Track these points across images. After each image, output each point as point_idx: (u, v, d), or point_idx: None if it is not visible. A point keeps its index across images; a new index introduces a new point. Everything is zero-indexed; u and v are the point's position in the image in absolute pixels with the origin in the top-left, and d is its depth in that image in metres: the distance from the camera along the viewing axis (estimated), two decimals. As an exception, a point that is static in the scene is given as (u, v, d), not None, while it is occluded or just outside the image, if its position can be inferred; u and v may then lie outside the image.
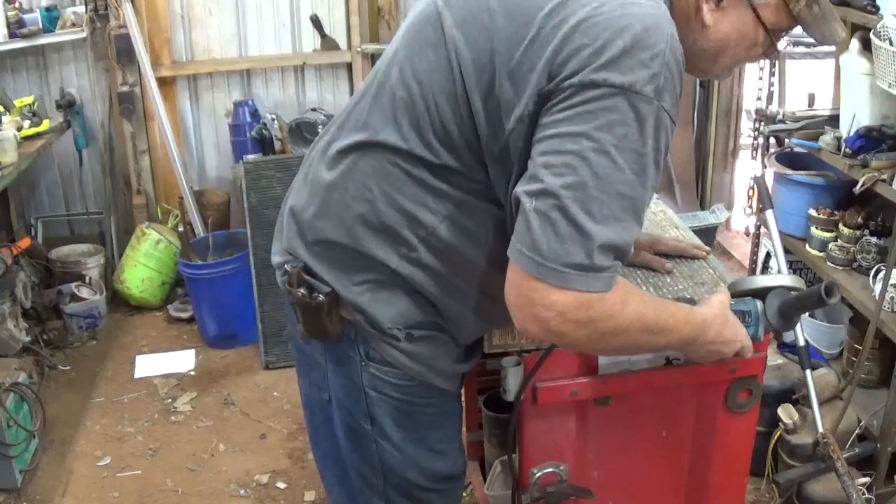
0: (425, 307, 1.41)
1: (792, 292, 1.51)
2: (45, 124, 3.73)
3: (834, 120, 2.89)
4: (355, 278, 1.40)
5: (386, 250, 1.37)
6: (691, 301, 1.53)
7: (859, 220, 2.85)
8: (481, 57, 1.25)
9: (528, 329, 1.22)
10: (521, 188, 1.20)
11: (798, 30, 1.39)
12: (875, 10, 2.47)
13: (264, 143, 3.79)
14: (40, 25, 3.84)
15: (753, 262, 3.64)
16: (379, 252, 1.37)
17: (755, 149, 3.67)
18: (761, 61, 3.53)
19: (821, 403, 2.23)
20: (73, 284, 3.92)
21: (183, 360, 3.69)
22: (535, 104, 1.20)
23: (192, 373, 3.61)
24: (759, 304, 1.50)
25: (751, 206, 3.81)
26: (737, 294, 1.52)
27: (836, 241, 2.88)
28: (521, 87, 1.21)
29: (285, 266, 1.49)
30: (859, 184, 2.50)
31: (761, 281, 1.53)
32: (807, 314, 3.07)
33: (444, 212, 1.34)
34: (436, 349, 1.45)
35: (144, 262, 3.99)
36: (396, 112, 1.34)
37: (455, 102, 1.28)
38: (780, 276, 1.54)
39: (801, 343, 2.16)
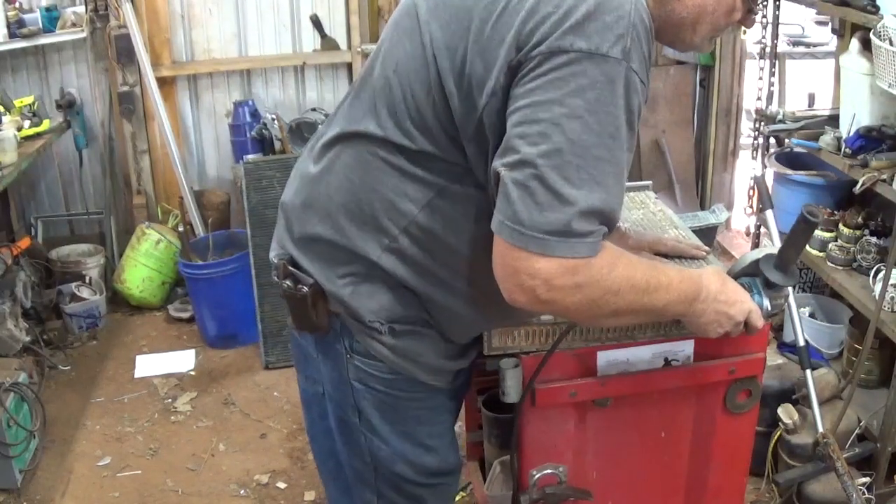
0: (409, 301, 1.42)
1: None
2: (45, 124, 3.73)
3: (834, 120, 2.89)
4: (339, 271, 1.42)
5: (368, 242, 1.38)
6: None
7: (859, 220, 2.84)
8: (453, 38, 1.27)
9: (517, 300, 1.22)
10: (498, 161, 1.21)
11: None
12: (875, 10, 2.46)
13: (264, 143, 3.79)
14: (40, 25, 3.84)
15: (753, 261, 3.63)
16: (361, 243, 1.39)
17: (755, 149, 3.67)
18: (761, 61, 3.53)
19: (821, 403, 2.22)
20: (73, 284, 3.92)
21: (183, 360, 3.69)
22: (506, 77, 1.21)
23: (192, 373, 3.61)
24: (754, 278, 1.50)
25: (751, 206, 3.81)
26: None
27: (836, 241, 2.88)
28: (491, 62, 1.22)
29: (274, 259, 1.52)
30: (859, 184, 2.50)
31: (748, 258, 1.53)
32: (807, 314, 3.07)
33: (424, 200, 1.35)
34: (420, 344, 1.45)
35: (144, 262, 3.99)
36: (376, 102, 1.36)
37: (428, 86, 1.30)
38: (759, 250, 1.55)
39: (801, 343, 2.16)
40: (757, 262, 1.50)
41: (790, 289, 2.07)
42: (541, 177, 1.15)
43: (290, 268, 1.46)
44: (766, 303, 1.48)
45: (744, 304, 1.43)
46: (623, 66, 1.17)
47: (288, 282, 1.45)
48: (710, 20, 1.35)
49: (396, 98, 1.33)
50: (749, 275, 1.51)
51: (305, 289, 1.43)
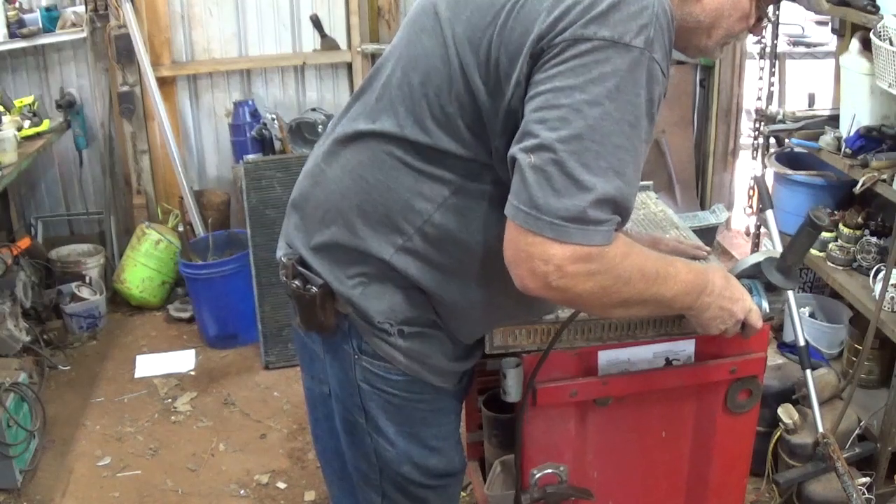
0: (419, 303, 1.42)
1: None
2: (45, 124, 3.73)
3: (834, 120, 2.89)
4: (349, 271, 1.41)
5: (381, 242, 1.38)
6: None
7: (859, 220, 2.85)
8: (476, 33, 1.27)
9: (528, 286, 1.21)
10: (516, 146, 1.20)
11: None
12: (875, 10, 2.47)
13: (264, 143, 3.78)
14: (40, 25, 3.84)
15: (753, 262, 3.63)
16: (374, 244, 1.38)
17: (755, 149, 3.67)
18: (761, 61, 3.53)
19: (821, 403, 2.23)
20: (73, 284, 3.92)
21: (183, 360, 3.69)
22: (528, 65, 1.21)
23: (192, 373, 3.61)
24: (755, 280, 1.52)
25: (751, 206, 3.81)
26: None
27: (836, 241, 2.88)
28: (515, 52, 1.22)
29: (283, 258, 1.51)
30: (859, 184, 2.50)
31: (748, 261, 1.54)
32: (807, 314, 3.07)
33: (440, 199, 1.35)
34: (429, 346, 1.45)
35: (144, 262, 3.99)
36: (394, 101, 1.36)
37: (450, 83, 1.29)
38: (760, 253, 1.56)
39: (801, 343, 2.17)
40: (758, 264, 1.51)
41: (790, 292, 2.08)
42: (559, 161, 1.15)
43: (300, 268, 1.45)
44: (765, 304, 1.50)
45: (745, 302, 1.44)
46: (646, 56, 1.17)
47: (297, 282, 1.45)
48: (725, 25, 1.35)
49: (416, 96, 1.33)
50: (750, 276, 1.52)
51: (314, 289, 1.42)
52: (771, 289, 1.51)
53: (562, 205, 1.15)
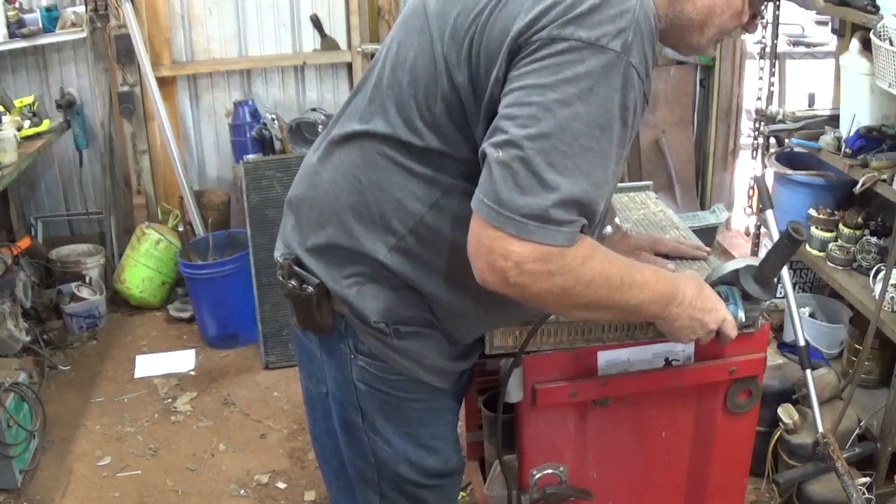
0: (415, 303, 1.42)
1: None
2: (45, 124, 3.73)
3: (834, 120, 2.89)
4: (344, 271, 1.42)
5: (375, 242, 1.38)
6: None
7: (859, 220, 2.84)
8: (459, 31, 1.28)
9: (487, 280, 1.21)
10: (486, 141, 1.21)
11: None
12: (875, 10, 2.46)
13: (264, 143, 3.79)
14: (40, 25, 3.84)
15: (753, 262, 3.63)
16: (368, 243, 1.39)
17: (755, 149, 3.67)
18: (761, 61, 3.53)
19: (821, 403, 2.23)
20: (73, 284, 3.92)
21: (183, 360, 3.69)
22: (506, 63, 1.21)
23: (192, 373, 3.61)
24: (732, 288, 1.49)
25: (751, 206, 3.81)
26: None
27: (836, 241, 2.88)
28: (495, 50, 1.23)
29: (279, 258, 1.52)
30: (859, 184, 2.50)
31: (727, 267, 1.52)
32: (807, 314, 3.07)
33: (432, 199, 1.35)
34: (424, 346, 1.45)
35: (144, 262, 3.99)
36: (385, 101, 1.37)
37: (437, 82, 1.30)
38: (741, 259, 1.53)
39: (801, 343, 2.16)
40: (737, 271, 1.49)
41: (789, 292, 2.08)
42: (525, 159, 1.15)
43: (295, 268, 1.46)
44: (741, 314, 1.47)
45: (718, 312, 1.42)
46: (622, 60, 1.16)
47: (293, 282, 1.45)
48: (717, 22, 1.35)
49: (406, 96, 1.33)
50: (728, 283, 1.50)
51: (310, 289, 1.43)
52: (748, 297, 1.49)
53: (524, 202, 1.15)
